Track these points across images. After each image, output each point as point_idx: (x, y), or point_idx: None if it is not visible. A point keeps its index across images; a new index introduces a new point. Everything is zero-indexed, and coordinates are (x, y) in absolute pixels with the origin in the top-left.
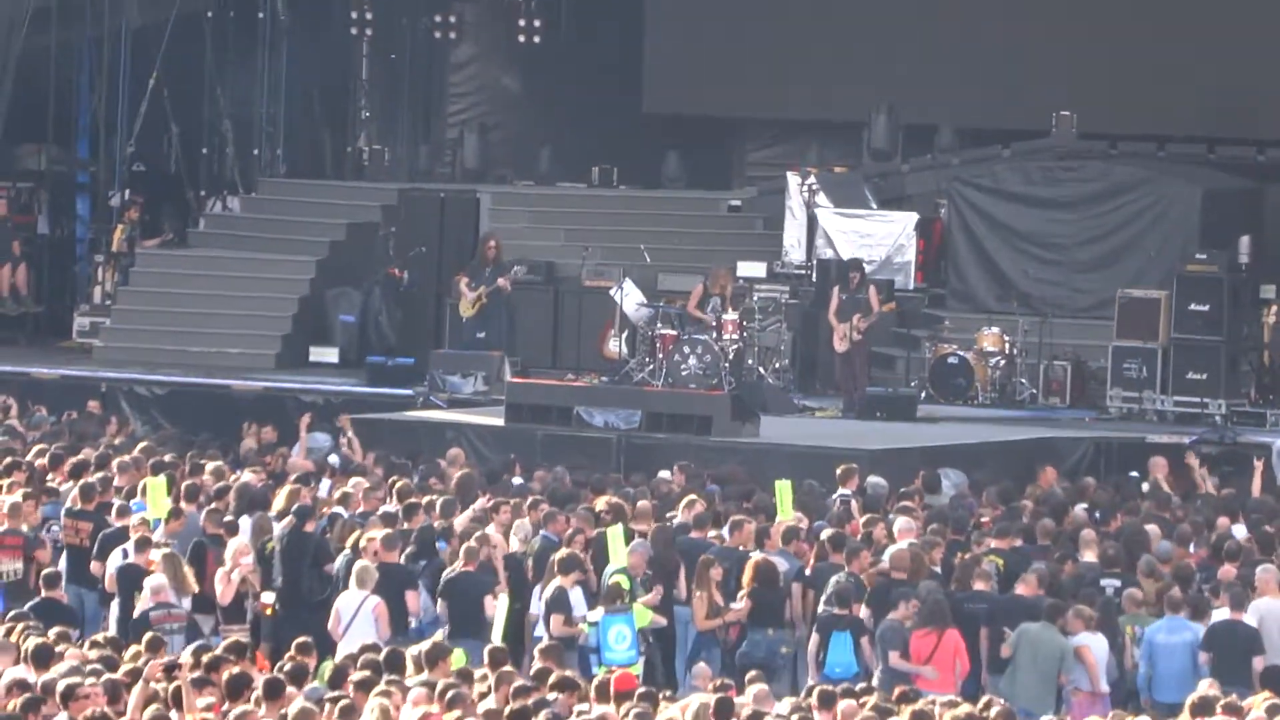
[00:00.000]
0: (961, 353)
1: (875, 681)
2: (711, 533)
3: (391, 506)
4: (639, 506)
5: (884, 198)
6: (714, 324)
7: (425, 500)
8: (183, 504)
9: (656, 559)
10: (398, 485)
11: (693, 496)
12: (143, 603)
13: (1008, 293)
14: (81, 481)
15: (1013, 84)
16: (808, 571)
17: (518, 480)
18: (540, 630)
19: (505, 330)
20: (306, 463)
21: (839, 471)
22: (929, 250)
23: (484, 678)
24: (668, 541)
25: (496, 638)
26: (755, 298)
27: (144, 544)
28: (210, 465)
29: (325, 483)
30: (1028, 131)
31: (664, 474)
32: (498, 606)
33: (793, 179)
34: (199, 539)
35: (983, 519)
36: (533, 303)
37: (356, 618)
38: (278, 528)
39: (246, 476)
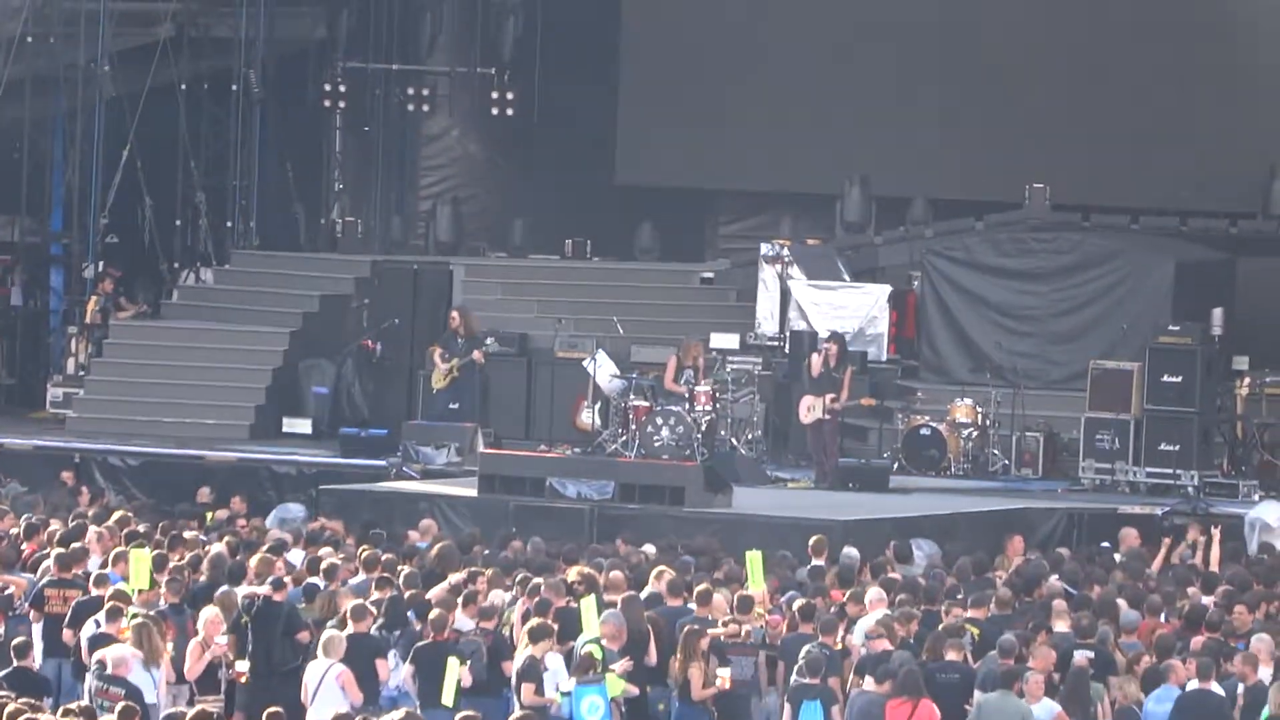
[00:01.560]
0: (934, 424)
1: None
2: (675, 603)
3: (362, 577)
4: (611, 577)
5: (857, 270)
6: (687, 395)
7: (399, 570)
8: (155, 574)
9: (630, 629)
10: (364, 555)
11: (662, 567)
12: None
13: (980, 364)
14: (57, 551)
15: (986, 156)
16: (768, 640)
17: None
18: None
19: (478, 401)
20: (275, 531)
21: (811, 542)
22: (902, 322)
23: None
24: (638, 611)
25: (448, 701)
26: (728, 369)
27: (115, 614)
28: (184, 535)
29: (298, 552)
30: (1001, 203)
31: (648, 547)
32: (448, 670)
33: (765, 251)
34: (158, 609)
35: (958, 594)
36: (506, 374)
37: (321, 686)
38: (244, 598)
39: (218, 547)
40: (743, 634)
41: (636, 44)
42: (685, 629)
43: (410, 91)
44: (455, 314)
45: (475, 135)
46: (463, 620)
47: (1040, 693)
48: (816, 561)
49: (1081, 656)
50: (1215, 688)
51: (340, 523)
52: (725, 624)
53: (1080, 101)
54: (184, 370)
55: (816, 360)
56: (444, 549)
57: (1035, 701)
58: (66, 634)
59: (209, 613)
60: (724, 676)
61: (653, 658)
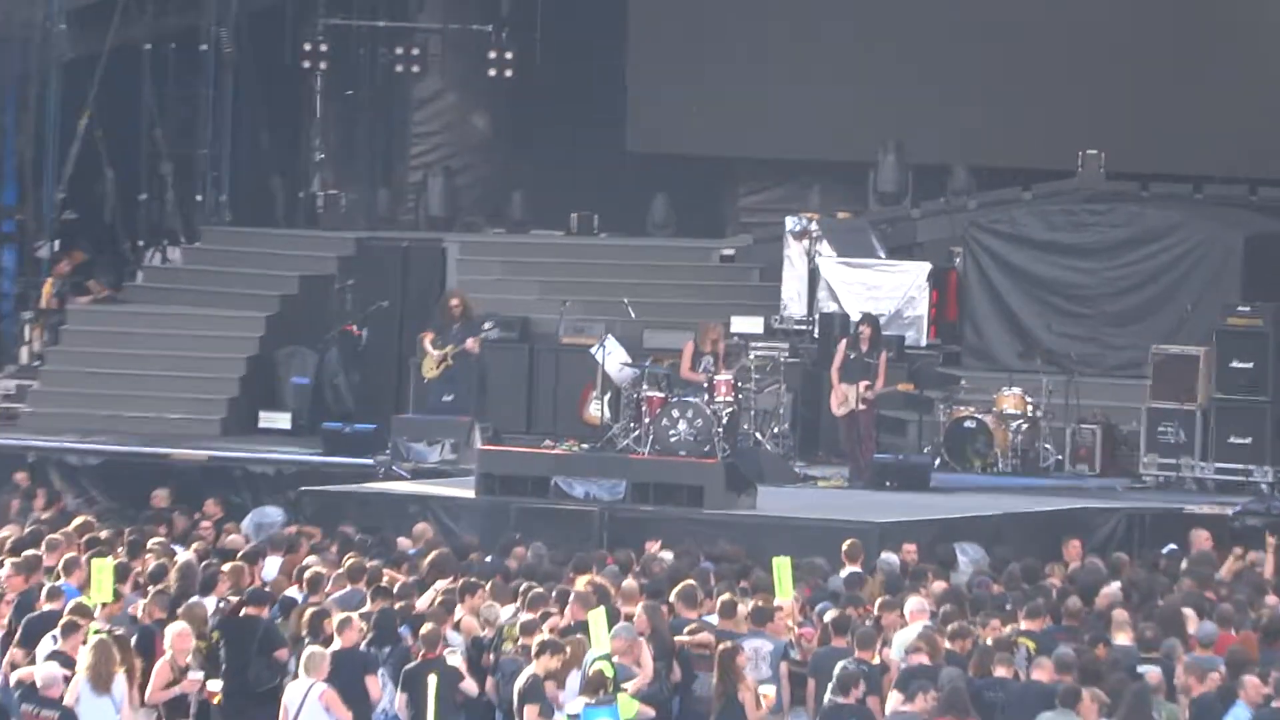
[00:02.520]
0: (979, 415)
1: None
2: (690, 615)
3: (348, 588)
4: (625, 586)
5: (893, 245)
6: (706, 385)
7: (386, 580)
8: (118, 586)
9: (657, 640)
10: (349, 564)
11: (690, 582)
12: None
13: (1030, 350)
14: (12, 560)
15: (1034, 119)
16: (795, 654)
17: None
18: None
19: (475, 393)
20: (242, 537)
21: (845, 547)
22: (943, 303)
23: None
24: (663, 620)
25: None
26: (752, 356)
27: (71, 629)
28: (150, 543)
29: (275, 560)
30: (1051, 172)
31: (664, 553)
32: (430, 688)
33: (792, 225)
34: (146, 625)
35: (1006, 603)
36: (506, 362)
37: (303, 709)
38: (213, 610)
39: (187, 555)
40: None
41: None
42: (720, 648)
43: (399, 51)
44: (457, 300)
45: (470, 99)
46: (451, 635)
47: (1094, 714)
48: (851, 568)
49: (1153, 673)
50: None
51: (351, 527)
52: (691, 631)
53: (1138, 60)
54: (149, 360)
55: (842, 349)
56: (439, 557)
57: None
58: (15, 654)
59: (177, 628)
60: (768, 694)
61: (676, 674)
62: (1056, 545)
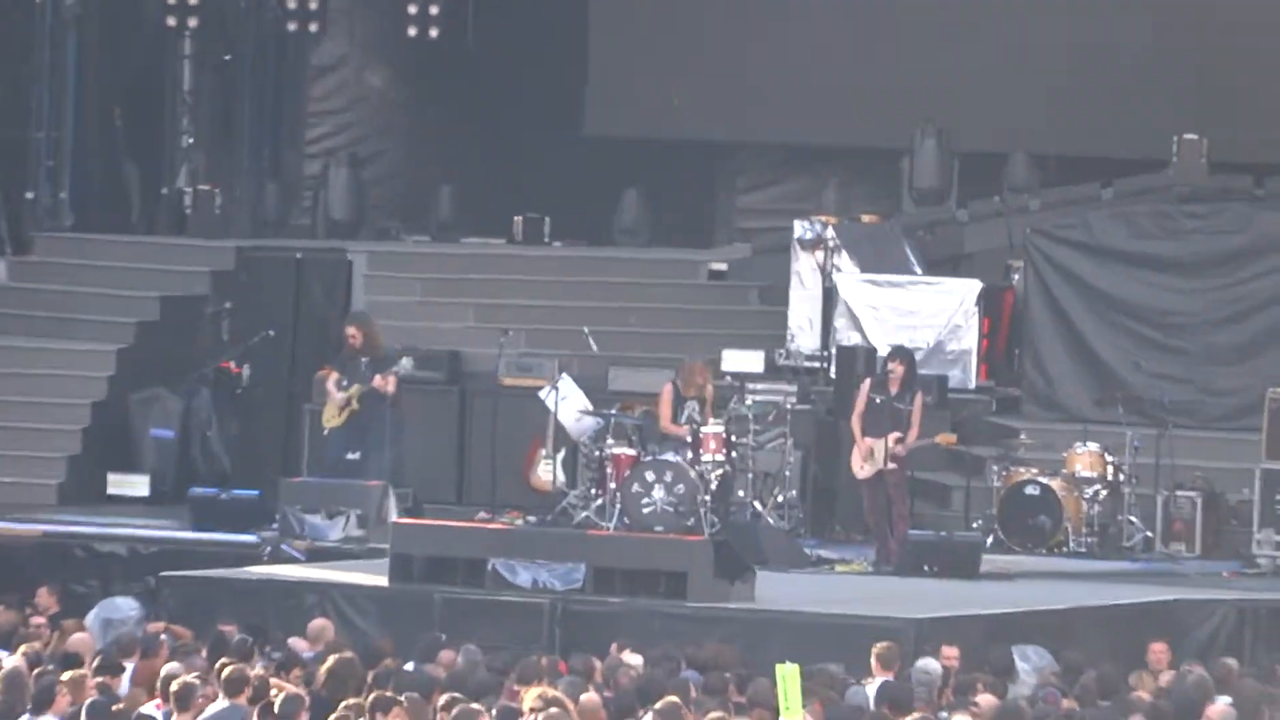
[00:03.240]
0: (1044, 479)
1: None
2: None
3: (224, 704)
4: (583, 702)
5: (933, 258)
6: (690, 440)
7: (275, 693)
8: None
9: None
10: (226, 673)
11: (673, 699)
12: None
13: (1110, 394)
14: None
15: (1116, 98)
16: None
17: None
18: None
19: (388, 449)
20: (88, 637)
21: (876, 653)
22: (996, 333)
23: None
24: None
25: None
26: (749, 401)
27: None
28: None
29: (127, 667)
30: (1137, 162)
31: (633, 659)
32: None
33: (801, 232)
34: None
35: None
36: (429, 410)
37: None
38: None
39: (14, 661)
40: None
41: None
42: None
43: (290, 5)
44: (354, 330)
45: (385, 67)
46: None
47: None
48: (883, 677)
49: None
50: None
51: (228, 625)
52: None
53: (1248, 19)
54: None
55: (865, 392)
56: (340, 663)
57: None
58: None
59: None
60: None
61: None
62: (1143, 648)
